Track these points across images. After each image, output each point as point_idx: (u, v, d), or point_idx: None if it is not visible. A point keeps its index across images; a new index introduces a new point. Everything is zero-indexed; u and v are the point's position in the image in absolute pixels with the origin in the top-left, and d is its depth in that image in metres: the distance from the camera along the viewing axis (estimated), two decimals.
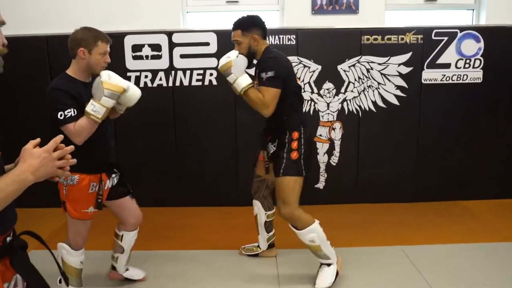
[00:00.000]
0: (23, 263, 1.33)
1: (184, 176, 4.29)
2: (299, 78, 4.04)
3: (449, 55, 4.05)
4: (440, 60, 4.06)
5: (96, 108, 2.19)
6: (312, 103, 4.11)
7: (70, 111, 2.17)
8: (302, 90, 2.92)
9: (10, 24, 4.60)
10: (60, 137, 1.25)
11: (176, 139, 4.21)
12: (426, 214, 3.97)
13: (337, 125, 4.16)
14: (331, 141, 4.19)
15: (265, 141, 2.84)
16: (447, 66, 4.07)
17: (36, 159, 1.20)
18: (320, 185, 4.27)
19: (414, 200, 4.27)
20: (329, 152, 4.21)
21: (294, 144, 2.66)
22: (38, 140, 1.25)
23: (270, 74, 2.55)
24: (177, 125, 4.17)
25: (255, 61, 2.76)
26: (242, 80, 2.60)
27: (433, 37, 4.02)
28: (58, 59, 4.05)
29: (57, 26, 4.14)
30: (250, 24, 2.69)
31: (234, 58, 2.61)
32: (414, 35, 4.01)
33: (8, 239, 1.31)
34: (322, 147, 4.20)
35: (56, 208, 4.16)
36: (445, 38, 4.03)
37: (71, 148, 1.26)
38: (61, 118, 2.17)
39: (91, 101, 2.21)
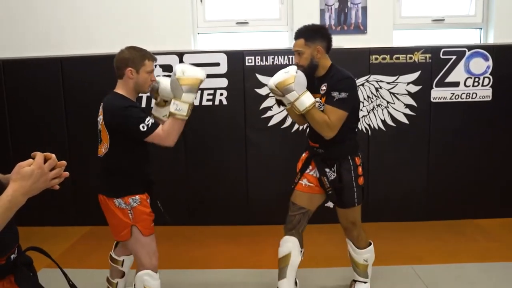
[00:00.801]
0: (27, 280, 1.34)
1: (194, 195, 4.30)
2: None
3: (457, 74, 4.06)
4: (449, 79, 4.07)
5: (179, 107, 2.16)
6: None
7: (149, 120, 2.19)
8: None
9: (25, 46, 4.72)
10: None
11: (187, 158, 4.24)
12: (438, 233, 3.93)
13: None
14: None
15: (321, 167, 2.58)
16: (456, 84, 4.08)
17: (27, 180, 1.17)
18: (330, 204, 4.24)
19: (425, 218, 4.23)
20: None
21: (360, 170, 2.57)
22: (31, 160, 1.20)
23: (343, 95, 2.38)
24: (187, 145, 4.21)
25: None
26: (305, 99, 2.38)
27: (441, 56, 4.04)
28: (72, 80, 4.17)
29: (70, 48, 4.26)
30: (315, 34, 2.50)
31: (295, 73, 2.38)
32: (423, 54, 4.04)
33: (13, 256, 1.32)
34: None
35: (67, 227, 4.24)
36: (454, 57, 4.05)
37: (51, 155, 1.23)
38: (145, 129, 2.16)
39: (173, 101, 2.18)
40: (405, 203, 4.24)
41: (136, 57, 2.27)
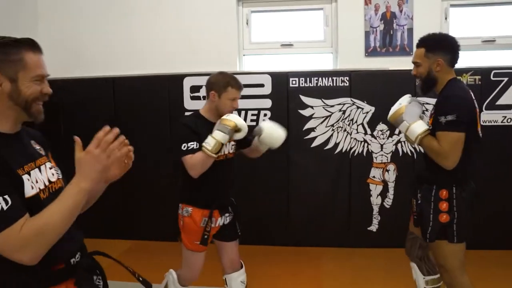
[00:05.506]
0: (87, 284, 1.37)
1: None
2: (353, 120, 4.06)
3: (510, 96, 3.92)
4: (500, 101, 3.94)
5: (207, 140, 2.28)
6: (366, 144, 4.09)
7: (193, 144, 2.32)
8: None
9: (82, 66, 4.95)
10: (103, 131, 1.26)
11: None
12: (485, 263, 3.74)
13: (391, 167, 4.09)
14: (384, 183, 4.11)
15: (415, 187, 2.41)
16: (508, 107, 3.94)
17: (83, 165, 1.20)
18: (373, 227, 4.17)
19: (471, 247, 4.02)
20: (383, 194, 4.13)
21: (443, 206, 2.23)
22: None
23: (450, 118, 2.11)
24: None
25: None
26: (416, 127, 2.22)
27: (492, 78, 3.92)
28: (123, 99, 4.35)
29: (124, 68, 4.47)
30: (437, 45, 2.27)
31: (406, 103, 2.30)
32: (472, 76, 3.93)
33: (73, 260, 1.34)
34: (375, 189, 4.13)
35: (109, 240, 4.35)
36: (505, 79, 3.91)
37: (115, 133, 1.28)
38: (184, 149, 2.32)
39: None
40: None
41: (220, 82, 2.41)
